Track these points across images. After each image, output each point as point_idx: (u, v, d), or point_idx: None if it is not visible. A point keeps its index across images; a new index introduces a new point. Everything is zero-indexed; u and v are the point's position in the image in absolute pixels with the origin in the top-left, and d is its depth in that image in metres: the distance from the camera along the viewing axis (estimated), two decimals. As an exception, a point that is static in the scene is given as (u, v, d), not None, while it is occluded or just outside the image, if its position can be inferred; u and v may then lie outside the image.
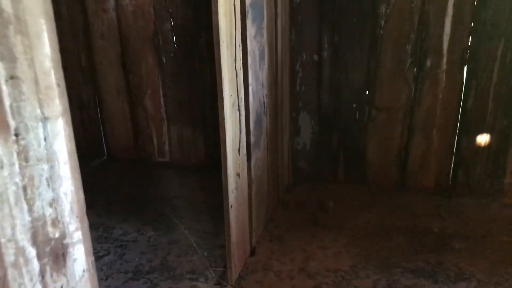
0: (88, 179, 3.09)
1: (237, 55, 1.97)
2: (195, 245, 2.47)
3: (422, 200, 2.85)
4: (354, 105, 2.90)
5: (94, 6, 3.21)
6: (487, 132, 2.73)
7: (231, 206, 2.05)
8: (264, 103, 2.41)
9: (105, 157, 3.63)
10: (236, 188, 2.10)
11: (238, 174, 2.11)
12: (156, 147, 3.46)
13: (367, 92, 2.86)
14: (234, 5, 1.90)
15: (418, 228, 2.56)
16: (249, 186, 2.29)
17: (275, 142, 2.72)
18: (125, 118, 3.45)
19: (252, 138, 2.24)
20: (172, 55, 3.16)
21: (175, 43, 3.12)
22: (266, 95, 2.43)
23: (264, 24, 2.30)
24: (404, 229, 2.56)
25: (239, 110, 2.06)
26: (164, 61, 3.19)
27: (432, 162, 2.89)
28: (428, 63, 2.69)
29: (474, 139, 2.77)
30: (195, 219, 2.74)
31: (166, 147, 3.44)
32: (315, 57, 2.87)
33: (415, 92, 2.77)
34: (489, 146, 2.76)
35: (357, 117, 2.93)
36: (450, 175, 2.89)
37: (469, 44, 2.61)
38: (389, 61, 2.75)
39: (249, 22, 2.05)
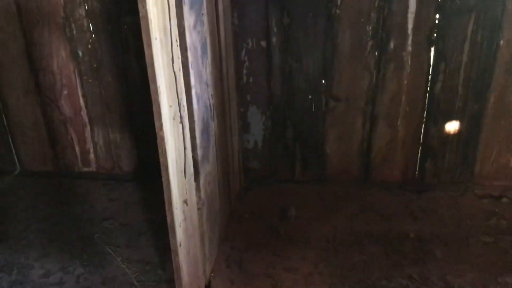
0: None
1: (174, 53, 1.52)
2: (136, 283, 2.03)
3: (390, 197, 2.57)
4: (310, 96, 2.53)
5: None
6: (456, 118, 2.48)
7: (180, 245, 1.63)
8: (210, 106, 1.97)
9: (17, 171, 3.03)
10: (185, 219, 1.67)
11: (185, 201, 1.69)
12: (79, 156, 2.92)
13: (323, 81, 2.49)
14: (166, -12, 1.43)
15: (393, 233, 2.27)
16: (199, 209, 1.87)
17: (225, 146, 2.30)
18: (37, 124, 2.87)
19: (199, 152, 1.81)
20: (89, 46, 2.61)
21: (92, 32, 2.57)
22: (211, 95, 1.99)
23: (204, 9, 1.84)
24: (377, 235, 2.26)
25: (181, 122, 1.62)
26: (80, 53, 2.64)
27: (398, 153, 2.60)
28: (392, 45, 2.37)
29: (443, 127, 2.50)
30: (133, 246, 2.28)
31: (91, 155, 2.91)
32: (263, 43, 2.45)
33: (377, 78, 2.44)
34: (458, 133, 2.51)
35: (313, 108, 2.57)
36: (417, 167, 2.63)
37: (436, 21, 2.30)
38: (348, 45, 2.39)
39: (186, 9, 1.59)
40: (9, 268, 2.16)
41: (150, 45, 1.33)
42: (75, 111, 2.80)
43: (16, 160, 3.02)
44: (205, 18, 1.85)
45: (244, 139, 2.70)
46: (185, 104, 1.64)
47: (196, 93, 1.73)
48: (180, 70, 1.58)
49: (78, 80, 2.71)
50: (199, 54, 1.78)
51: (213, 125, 2.03)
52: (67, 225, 2.47)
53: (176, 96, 1.55)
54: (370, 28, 2.34)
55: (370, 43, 2.37)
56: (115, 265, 2.15)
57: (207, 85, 1.92)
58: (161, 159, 1.48)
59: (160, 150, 1.47)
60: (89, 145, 2.88)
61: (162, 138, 1.45)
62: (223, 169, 2.26)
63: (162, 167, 1.49)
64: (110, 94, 2.72)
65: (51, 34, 2.61)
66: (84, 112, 2.79)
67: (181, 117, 1.60)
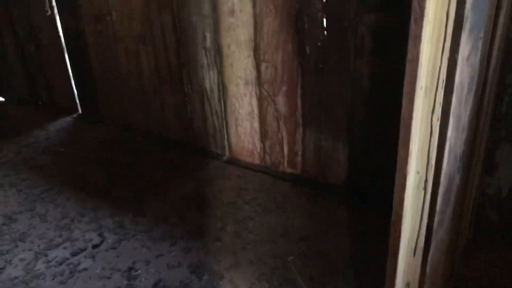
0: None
1: (436, 100, 1.09)
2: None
3: None
4: None
5: (224, -28, 2.47)
6: None
7: None
8: (460, 156, 1.49)
9: (225, 157, 3.01)
10: (403, 306, 1.28)
11: (408, 285, 1.28)
12: (286, 156, 2.73)
13: None
14: (448, 13, 1.00)
15: None
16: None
17: (463, 197, 1.80)
18: (251, 115, 2.75)
19: (436, 219, 1.37)
20: (319, 43, 2.32)
21: (325, 29, 2.27)
22: (464, 142, 1.50)
23: (482, 32, 1.34)
24: None
25: (425, 188, 1.20)
26: (308, 50, 2.37)
27: None
28: None
29: None
30: (328, 286, 1.99)
31: (299, 158, 2.68)
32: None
33: None
34: None
35: None
36: None
37: None
38: None
39: (464, 36, 1.13)
40: (201, 272, 2.09)
41: (412, 99, 0.93)
42: (291, 110, 2.59)
43: (227, 146, 2.99)
44: (480, 43, 1.35)
45: (485, 182, 2.12)
46: (433, 163, 1.22)
47: (449, 146, 1.28)
48: (438, 119, 1.15)
49: (299, 79, 2.47)
50: (464, 93, 1.30)
51: (457, 179, 1.55)
52: (260, 233, 2.30)
53: (427, 157, 1.14)
54: None
55: None
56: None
57: (463, 130, 1.44)
58: (390, 242, 1.10)
59: (392, 231, 1.09)
60: (298, 147, 2.66)
61: (399, 218, 1.06)
62: (454, 225, 1.77)
63: (390, 251, 1.11)
64: (331, 98, 2.41)
65: (282, 25, 2.40)
66: (299, 113, 2.56)
67: (425, 181, 1.19)
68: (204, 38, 2.75)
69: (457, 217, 1.76)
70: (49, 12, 2.78)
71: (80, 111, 3.79)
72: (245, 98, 2.76)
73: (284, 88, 2.57)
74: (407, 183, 1.03)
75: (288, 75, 2.52)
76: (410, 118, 0.95)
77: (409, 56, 0.89)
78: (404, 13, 2.00)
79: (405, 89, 0.93)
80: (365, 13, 2.12)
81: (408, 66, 0.90)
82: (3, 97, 4.18)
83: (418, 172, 1.09)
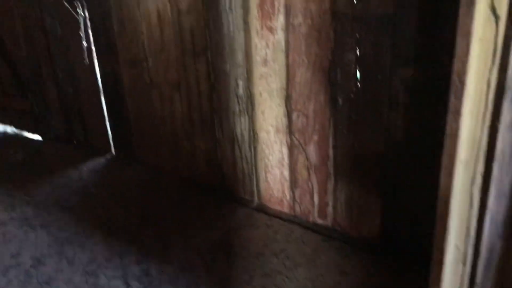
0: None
1: (477, 171, 1.04)
2: None
3: None
4: None
5: (257, 23, 2.51)
6: None
7: None
8: (501, 224, 1.41)
9: (254, 204, 2.97)
10: None
11: None
12: (316, 206, 2.67)
13: None
14: (489, 82, 0.96)
15: None
16: None
17: (505, 265, 1.69)
18: (282, 163, 2.72)
19: (475, 292, 1.28)
20: (352, 95, 2.29)
21: (359, 80, 2.24)
22: (506, 208, 1.42)
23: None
24: None
25: (463, 262, 1.13)
26: (340, 101, 2.35)
27: None
28: None
29: None
30: None
31: (329, 208, 2.62)
32: None
33: None
34: None
35: None
36: None
37: None
38: None
39: (506, 104, 1.08)
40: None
41: (451, 173, 0.89)
42: (322, 159, 2.55)
43: (256, 193, 2.96)
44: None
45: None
46: (473, 235, 1.15)
47: (491, 216, 1.21)
48: (478, 191, 1.09)
49: (331, 129, 2.44)
50: (506, 159, 1.24)
51: (498, 247, 1.46)
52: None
53: (466, 229, 1.07)
54: None
55: None
56: None
57: (505, 197, 1.36)
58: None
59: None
60: (329, 198, 2.60)
61: (437, 296, 1.00)
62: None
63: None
64: (363, 150, 2.36)
65: (314, 76, 2.39)
66: (330, 163, 2.51)
67: (464, 255, 1.12)
68: (237, 85, 2.77)
69: (499, 286, 1.65)
70: (87, 62, 2.87)
71: (113, 152, 3.85)
72: (276, 145, 2.74)
73: (315, 138, 2.54)
74: (445, 259, 0.97)
75: (319, 124, 2.49)
76: (448, 192, 0.90)
77: (448, 130, 0.85)
78: (440, 68, 1.97)
79: (444, 162, 0.88)
80: (400, 67, 2.09)
81: (447, 140, 0.86)
82: (41, 136, 4.30)
83: (457, 247, 1.03)
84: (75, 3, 2.20)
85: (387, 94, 2.18)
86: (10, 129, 4.56)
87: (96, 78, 3.64)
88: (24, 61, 4.10)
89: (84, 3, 2.82)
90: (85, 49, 2.65)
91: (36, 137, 4.36)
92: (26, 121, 4.42)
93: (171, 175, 3.43)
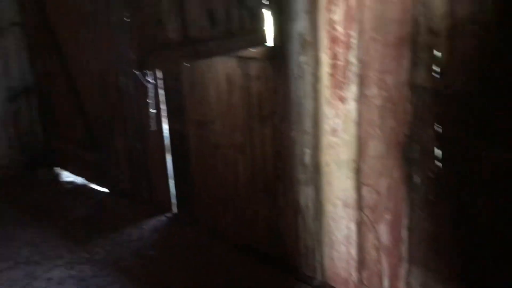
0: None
1: None
2: None
3: None
4: None
5: (328, 91, 2.40)
6: None
7: None
8: None
9: (317, 281, 2.75)
10: None
11: None
12: (387, 291, 2.41)
13: None
14: None
15: None
16: None
17: None
18: (349, 240, 2.52)
19: None
20: (431, 174, 2.08)
21: (439, 159, 2.04)
22: None
23: None
24: None
25: None
26: (417, 180, 2.14)
27: None
28: None
29: None
30: None
31: (401, 295, 2.36)
32: None
33: None
34: None
35: None
36: None
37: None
38: None
39: None
40: None
41: None
42: (394, 241, 2.32)
43: (319, 269, 2.75)
44: None
45: None
46: None
47: None
48: None
49: (406, 209, 2.22)
50: None
51: None
52: None
53: None
54: None
55: None
56: None
57: None
58: None
59: None
60: (401, 284, 2.34)
61: None
62: None
63: None
64: (443, 235, 2.12)
65: (389, 150, 2.22)
66: (404, 246, 2.28)
67: None
68: (303, 153, 2.65)
69: None
70: (155, 128, 2.89)
71: (175, 211, 3.81)
72: (343, 220, 2.55)
73: (387, 217, 2.33)
74: None
75: (393, 203, 2.29)
76: None
77: None
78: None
79: None
80: (486, 148, 1.88)
81: None
82: (108, 189, 4.37)
83: None
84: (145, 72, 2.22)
85: (471, 176, 1.96)
86: (80, 179, 4.69)
87: (164, 137, 3.66)
88: (97, 115, 4.24)
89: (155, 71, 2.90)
90: (152, 115, 2.66)
91: (104, 189, 4.43)
92: (95, 173, 4.52)
93: (231, 240, 3.31)
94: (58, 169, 4.88)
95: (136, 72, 2.12)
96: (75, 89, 4.34)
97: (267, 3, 2.58)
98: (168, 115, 3.60)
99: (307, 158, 2.64)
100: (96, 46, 3.95)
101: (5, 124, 4.65)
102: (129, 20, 2.17)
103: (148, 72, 2.35)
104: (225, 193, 3.33)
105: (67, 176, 4.79)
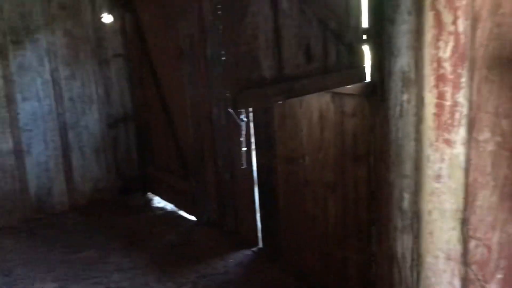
0: None
1: None
2: None
3: None
4: None
5: (432, 133, 2.20)
6: None
7: None
8: None
9: None
10: None
11: None
12: None
13: None
14: None
15: None
16: None
17: None
18: (452, 299, 2.27)
19: None
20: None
21: None
22: None
23: None
24: None
25: None
26: (538, 239, 1.87)
27: None
28: None
29: None
30: None
31: None
32: None
33: None
34: None
35: None
36: None
37: None
38: None
39: None
40: None
41: None
42: (508, 305, 2.04)
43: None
44: None
45: None
46: None
47: None
48: None
49: (523, 271, 1.95)
50: None
51: None
52: None
53: None
54: None
55: None
56: None
57: None
58: None
59: None
60: None
61: None
62: None
63: None
64: None
65: (502, 202, 1.97)
66: (520, 313, 1.99)
67: None
68: (401, 198, 2.45)
69: None
70: (245, 166, 2.86)
71: (261, 245, 3.73)
72: (445, 275, 2.30)
73: (499, 276, 2.06)
74: None
75: (507, 261, 2.02)
76: None
77: None
78: None
79: None
80: None
81: None
82: (196, 217, 4.41)
83: None
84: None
85: None
86: (170, 206, 4.79)
87: (252, 170, 3.63)
88: (190, 145, 4.33)
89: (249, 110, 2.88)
90: (244, 153, 2.63)
91: (192, 217, 4.48)
92: (184, 201, 4.60)
93: (317, 283, 3.15)
94: (150, 195, 5.05)
95: (229, 110, 2.09)
96: (170, 118, 4.48)
97: (366, 38, 2.47)
98: (256, 148, 3.57)
99: (406, 204, 2.44)
100: (191, 79, 4.06)
101: (104, 150, 4.92)
102: (224, 57, 2.16)
103: (241, 110, 2.32)
104: (313, 233, 3.19)
105: (158, 201, 4.93)
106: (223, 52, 2.10)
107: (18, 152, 4.41)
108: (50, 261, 3.70)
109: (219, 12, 2.05)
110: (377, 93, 2.48)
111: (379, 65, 2.44)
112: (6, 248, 3.93)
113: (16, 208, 4.44)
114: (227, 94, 2.04)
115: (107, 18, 4.58)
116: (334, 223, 3.01)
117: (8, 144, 4.34)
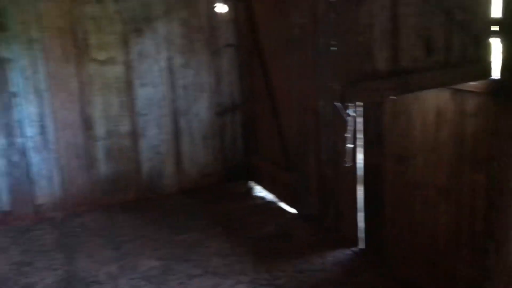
0: None
1: None
2: None
3: None
4: None
5: None
6: None
7: None
8: None
9: None
10: None
11: None
12: None
13: None
14: None
15: None
16: None
17: None
18: None
19: None
20: None
21: None
22: None
23: None
24: None
25: None
26: None
27: None
28: None
29: None
30: None
31: None
32: None
33: None
34: None
35: None
36: None
37: None
38: None
39: None
40: None
41: None
42: None
43: None
44: None
45: None
46: None
47: None
48: None
49: None
50: None
51: None
52: None
53: None
54: None
55: None
56: None
57: None
58: None
59: None
60: None
61: None
62: None
63: None
64: None
65: None
66: None
67: None
68: (527, 211, 2.17)
69: None
70: (350, 164, 2.73)
71: (362, 246, 3.58)
72: None
73: None
74: None
75: None
76: None
77: None
78: None
79: None
80: None
81: None
82: (296, 210, 4.36)
83: None
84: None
85: None
86: (271, 196, 4.80)
87: (356, 167, 3.48)
88: (294, 137, 4.27)
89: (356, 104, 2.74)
90: (350, 151, 2.50)
91: (291, 210, 4.45)
92: (286, 193, 4.57)
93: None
94: (252, 183, 5.10)
95: (336, 104, 1.99)
96: (276, 109, 4.46)
97: (498, 30, 2.20)
98: (364, 145, 3.41)
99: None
100: (299, 70, 3.99)
101: (212, 137, 5.05)
102: (335, 48, 2.05)
103: (349, 104, 2.20)
104: (421, 239, 2.97)
105: (259, 190, 4.96)
106: (334, 42, 2.00)
107: (134, 135, 4.69)
108: (156, 240, 3.88)
109: (333, 0, 1.95)
110: (505, 92, 2.21)
111: (510, 60, 2.17)
112: (118, 224, 4.21)
113: (130, 187, 4.73)
114: (335, 87, 1.94)
115: (220, 7, 4.66)
116: (444, 231, 2.77)
117: (126, 127, 4.64)
